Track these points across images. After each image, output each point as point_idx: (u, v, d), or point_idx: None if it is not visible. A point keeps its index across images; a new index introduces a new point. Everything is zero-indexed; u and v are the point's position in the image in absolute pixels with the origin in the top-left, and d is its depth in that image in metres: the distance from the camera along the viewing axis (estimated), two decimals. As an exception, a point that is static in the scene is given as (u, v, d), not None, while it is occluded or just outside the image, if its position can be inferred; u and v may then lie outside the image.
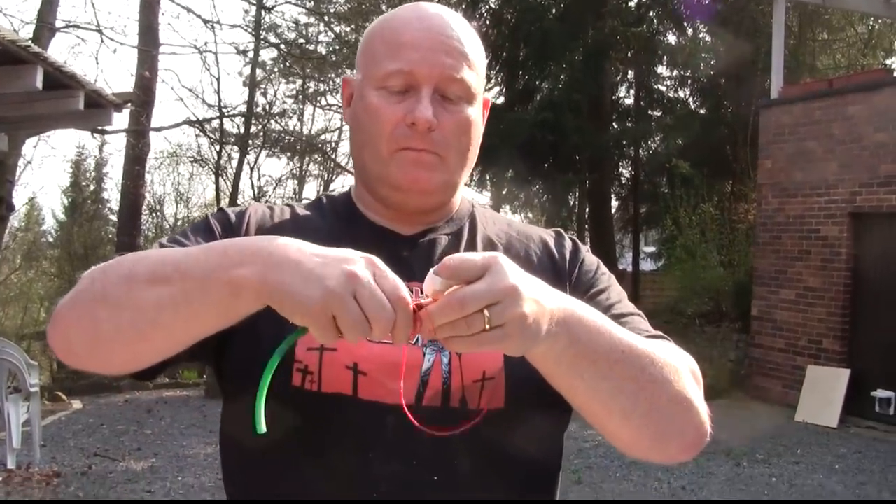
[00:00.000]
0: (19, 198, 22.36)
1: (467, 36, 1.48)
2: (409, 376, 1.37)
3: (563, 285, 1.51)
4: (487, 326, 1.08)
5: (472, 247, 1.55)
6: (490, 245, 1.57)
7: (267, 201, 1.71)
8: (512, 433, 1.39)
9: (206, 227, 1.50)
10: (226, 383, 1.47)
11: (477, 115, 1.51)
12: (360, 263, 1.10)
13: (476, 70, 1.48)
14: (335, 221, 1.56)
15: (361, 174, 1.55)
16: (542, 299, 1.15)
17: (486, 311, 1.08)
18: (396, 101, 1.43)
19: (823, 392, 10.81)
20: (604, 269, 1.61)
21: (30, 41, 7.80)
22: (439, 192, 1.49)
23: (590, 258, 1.61)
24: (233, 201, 21.84)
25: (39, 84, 6.66)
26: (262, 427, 1.16)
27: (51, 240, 30.17)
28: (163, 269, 1.20)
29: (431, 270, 1.12)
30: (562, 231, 1.66)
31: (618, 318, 1.43)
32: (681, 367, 1.34)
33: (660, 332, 1.48)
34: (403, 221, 1.52)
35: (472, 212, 1.63)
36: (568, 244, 1.62)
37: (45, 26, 13.84)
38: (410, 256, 1.45)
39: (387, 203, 1.52)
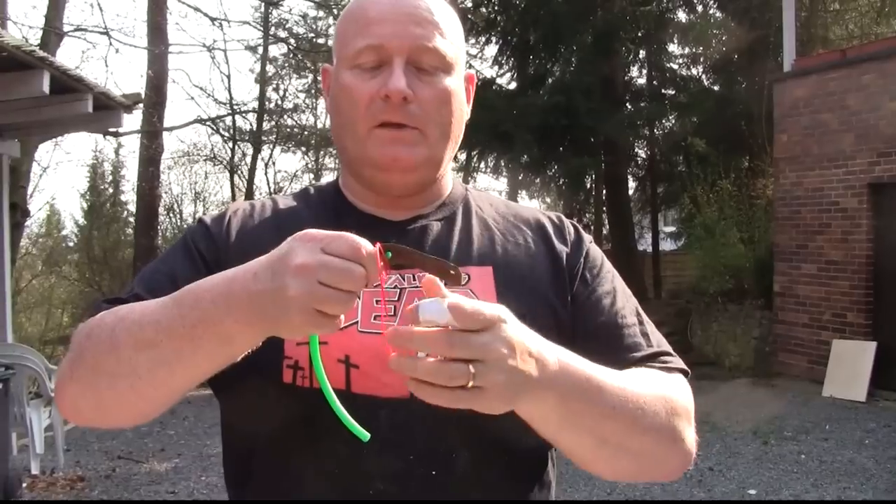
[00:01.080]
0: (36, 204, 22.47)
1: (438, 6, 1.45)
2: None
3: (562, 277, 1.48)
4: (469, 384, 1.05)
5: (466, 233, 1.51)
6: (486, 230, 1.53)
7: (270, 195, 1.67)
8: (511, 423, 1.34)
9: (185, 251, 1.46)
10: (215, 380, 1.44)
11: (457, 86, 1.46)
12: (299, 249, 1.08)
13: (450, 39, 1.44)
14: (322, 211, 1.52)
15: (344, 159, 1.52)
16: (531, 370, 1.12)
17: (471, 367, 1.04)
18: (370, 78, 1.40)
19: (850, 366, 10.71)
20: (608, 265, 1.56)
21: (36, 46, 7.78)
22: (421, 168, 1.44)
23: (594, 252, 1.56)
24: (249, 198, 21.72)
25: (46, 88, 6.64)
26: (365, 433, 1.16)
27: (71, 244, 30.28)
28: (143, 332, 1.19)
29: (439, 301, 1.07)
30: (563, 217, 1.62)
31: (621, 328, 1.44)
32: (672, 405, 1.33)
33: (662, 347, 1.47)
34: (391, 206, 1.48)
35: (465, 195, 1.59)
36: (570, 233, 1.57)
37: (53, 31, 13.83)
38: (400, 244, 1.40)
39: (371, 186, 1.48)
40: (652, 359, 1.44)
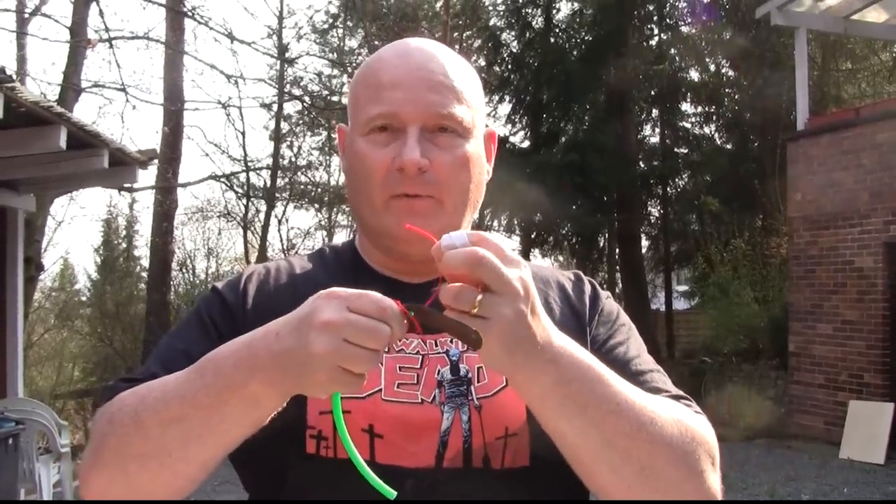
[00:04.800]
0: (50, 258, 22.55)
1: (454, 67, 1.40)
2: (427, 437, 1.30)
3: (584, 333, 1.44)
4: (474, 311, 1.05)
5: None
6: None
7: (285, 254, 1.62)
8: (538, 491, 1.31)
9: (200, 325, 1.42)
10: (236, 452, 1.40)
11: (476, 150, 1.41)
12: (324, 307, 1.06)
13: (468, 102, 1.39)
14: (340, 274, 1.46)
15: (360, 225, 1.48)
16: (537, 329, 1.11)
17: (479, 296, 1.05)
18: (384, 146, 1.35)
19: (867, 428, 10.57)
20: (624, 318, 1.52)
21: (53, 102, 7.84)
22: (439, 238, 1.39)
23: (609, 305, 1.52)
24: (261, 254, 21.93)
25: (63, 144, 6.67)
26: (391, 491, 1.13)
27: (84, 299, 30.34)
28: (168, 408, 1.17)
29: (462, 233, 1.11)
30: (580, 274, 1.58)
31: (636, 374, 1.37)
32: (691, 432, 1.24)
33: (681, 392, 1.40)
34: (411, 271, 1.44)
35: None
36: (587, 289, 1.54)
37: (71, 87, 13.97)
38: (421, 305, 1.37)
39: (389, 254, 1.44)
40: (674, 400, 1.37)
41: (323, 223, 26.42)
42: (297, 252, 23.28)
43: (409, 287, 1.43)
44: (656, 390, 1.35)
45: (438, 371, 1.35)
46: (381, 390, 1.32)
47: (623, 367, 1.37)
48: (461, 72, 1.41)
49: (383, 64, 1.40)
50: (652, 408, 1.21)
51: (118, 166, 8.13)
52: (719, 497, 1.26)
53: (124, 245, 30.96)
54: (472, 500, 1.30)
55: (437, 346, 1.38)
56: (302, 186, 24.79)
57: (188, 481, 1.22)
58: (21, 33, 15.16)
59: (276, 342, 1.09)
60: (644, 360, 1.45)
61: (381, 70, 1.39)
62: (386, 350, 1.13)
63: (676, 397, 1.37)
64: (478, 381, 1.35)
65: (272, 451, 1.30)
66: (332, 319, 1.04)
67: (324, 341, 1.03)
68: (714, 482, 1.25)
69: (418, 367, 1.36)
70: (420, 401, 1.32)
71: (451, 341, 1.37)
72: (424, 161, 1.33)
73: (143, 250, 28.48)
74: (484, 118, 1.48)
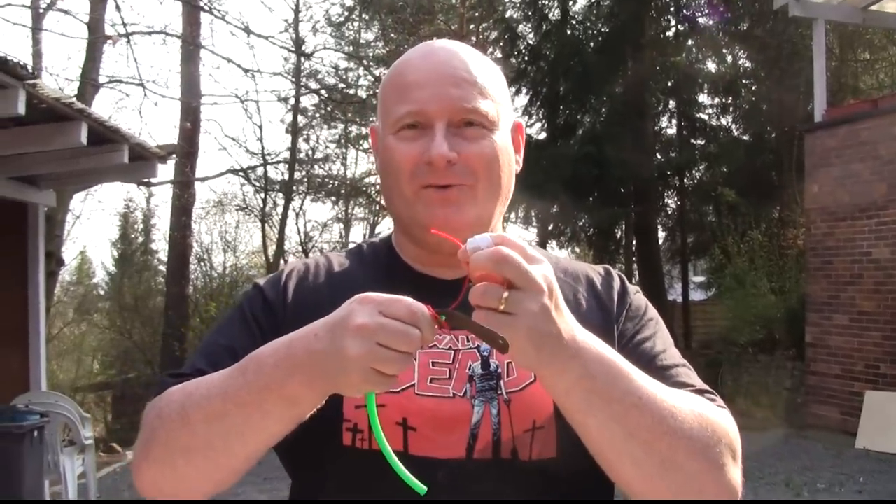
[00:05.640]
0: (69, 252, 22.68)
1: (477, 64, 1.46)
2: (458, 429, 1.35)
3: (611, 328, 1.48)
4: (501, 307, 1.09)
5: None
6: None
7: (308, 251, 1.67)
8: (565, 483, 1.36)
9: (242, 322, 1.48)
10: (278, 443, 1.46)
11: (504, 142, 1.46)
12: (358, 311, 1.12)
13: (492, 97, 1.44)
14: (376, 271, 1.53)
15: (395, 220, 1.54)
16: (561, 324, 1.15)
17: (505, 293, 1.09)
18: (412, 141, 1.41)
19: (883, 417, 10.56)
20: (652, 313, 1.56)
21: (73, 98, 7.89)
22: (472, 227, 1.39)
23: (637, 300, 1.56)
24: (279, 247, 21.96)
25: (84, 139, 6.72)
26: (422, 486, 1.18)
27: (102, 293, 30.49)
28: (212, 405, 1.23)
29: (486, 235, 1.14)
30: (610, 269, 1.62)
31: (662, 369, 1.41)
32: (712, 426, 1.28)
33: (706, 387, 1.44)
34: (445, 265, 1.47)
35: None
36: (616, 284, 1.58)
37: (89, 83, 14.05)
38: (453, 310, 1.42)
39: (423, 245, 1.48)
40: (698, 395, 1.40)
41: (340, 216, 26.44)
42: (314, 245, 23.36)
43: (442, 283, 1.48)
44: (681, 385, 1.39)
45: (470, 366, 1.40)
46: (414, 385, 1.37)
47: (650, 361, 1.41)
48: (484, 68, 1.46)
49: (409, 66, 1.46)
50: (673, 402, 1.24)
51: (138, 161, 8.20)
52: (739, 489, 1.29)
53: (141, 239, 31.12)
54: (500, 499, 1.34)
55: (468, 341, 1.42)
56: (319, 179, 24.75)
57: (232, 473, 1.28)
58: (37, 29, 15.25)
59: (315, 342, 1.14)
60: (670, 354, 1.48)
61: (407, 71, 1.45)
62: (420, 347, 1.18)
63: (701, 392, 1.40)
64: (507, 376, 1.39)
65: (311, 443, 1.35)
66: (366, 323, 1.09)
67: (357, 345, 1.09)
68: (735, 475, 1.28)
69: (450, 362, 1.41)
70: (452, 395, 1.37)
71: None
72: (453, 154, 1.38)
73: (160, 244, 28.68)
74: (510, 112, 1.52)
